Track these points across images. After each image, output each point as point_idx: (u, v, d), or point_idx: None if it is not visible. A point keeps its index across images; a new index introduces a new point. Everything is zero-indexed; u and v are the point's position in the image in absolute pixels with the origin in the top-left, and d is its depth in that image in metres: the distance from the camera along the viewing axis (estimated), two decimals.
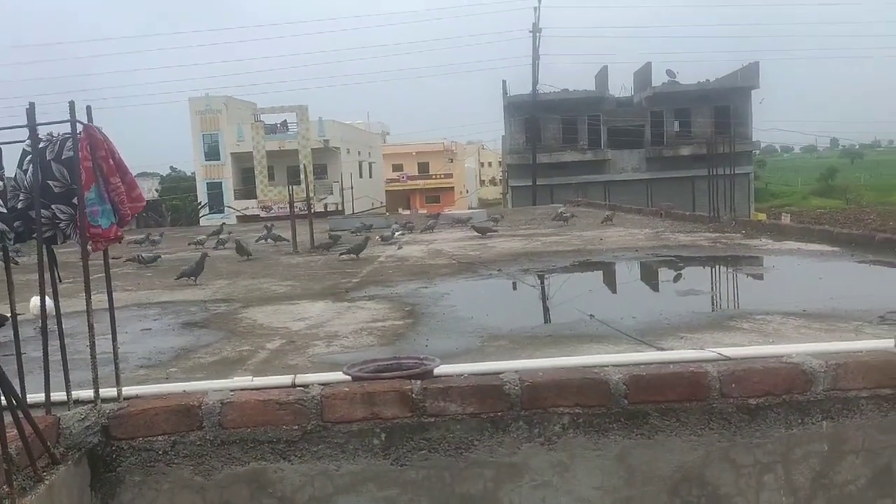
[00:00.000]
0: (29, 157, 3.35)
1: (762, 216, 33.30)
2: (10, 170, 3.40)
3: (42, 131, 3.40)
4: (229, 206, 43.78)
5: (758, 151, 49.63)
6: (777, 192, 68.73)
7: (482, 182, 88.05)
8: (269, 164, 46.54)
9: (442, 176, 71.12)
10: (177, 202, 47.85)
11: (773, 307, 5.60)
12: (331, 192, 46.71)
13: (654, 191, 41.21)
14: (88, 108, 3.42)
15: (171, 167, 62.71)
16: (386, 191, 63.27)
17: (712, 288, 7.31)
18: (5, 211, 3.22)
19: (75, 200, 3.38)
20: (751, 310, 5.59)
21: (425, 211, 52.11)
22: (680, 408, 3.43)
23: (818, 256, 8.63)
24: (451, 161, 73.41)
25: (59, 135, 3.42)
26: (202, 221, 39.38)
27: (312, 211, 14.73)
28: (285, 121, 48.73)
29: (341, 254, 10.87)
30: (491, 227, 14.36)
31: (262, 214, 40.64)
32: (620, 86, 45.84)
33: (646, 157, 42.71)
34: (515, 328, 5.56)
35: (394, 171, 70.65)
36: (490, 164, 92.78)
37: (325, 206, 42.85)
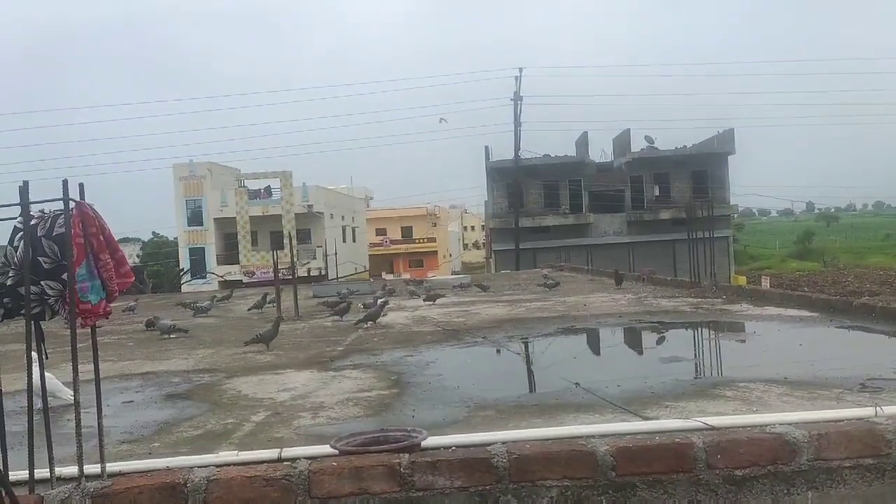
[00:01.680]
0: (20, 234, 3.39)
1: (742, 279, 33.70)
2: None
3: (33, 208, 3.45)
4: (212, 272, 43.65)
5: (736, 215, 50.58)
6: (756, 254, 69.68)
7: (465, 246, 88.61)
8: (252, 230, 46.63)
9: (425, 240, 71.54)
10: (158, 268, 47.62)
11: (755, 374, 5.66)
12: (314, 256, 46.75)
13: (635, 254, 41.70)
14: (81, 186, 3.48)
15: (154, 232, 62.53)
16: (369, 255, 63.41)
17: (695, 355, 7.37)
18: None
19: (64, 276, 3.41)
20: (734, 377, 5.64)
21: (409, 275, 52.17)
22: (667, 479, 3.44)
23: (798, 322, 8.74)
24: (435, 225, 73.97)
25: (50, 212, 3.47)
26: (184, 288, 39.14)
27: (296, 277, 14.71)
28: (269, 186, 49.11)
29: (357, 321, 10.46)
30: (439, 292, 14.36)
31: (245, 280, 40.50)
32: (601, 151, 46.80)
33: (627, 220, 43.34)
34: (501, 397, 5.56)
35: (377, 235, 71.02)
36: (473, 227, 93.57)
37: (309, 270, 42.83)
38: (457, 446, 3.79)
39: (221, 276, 41.98)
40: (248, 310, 13.90)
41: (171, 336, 10.45)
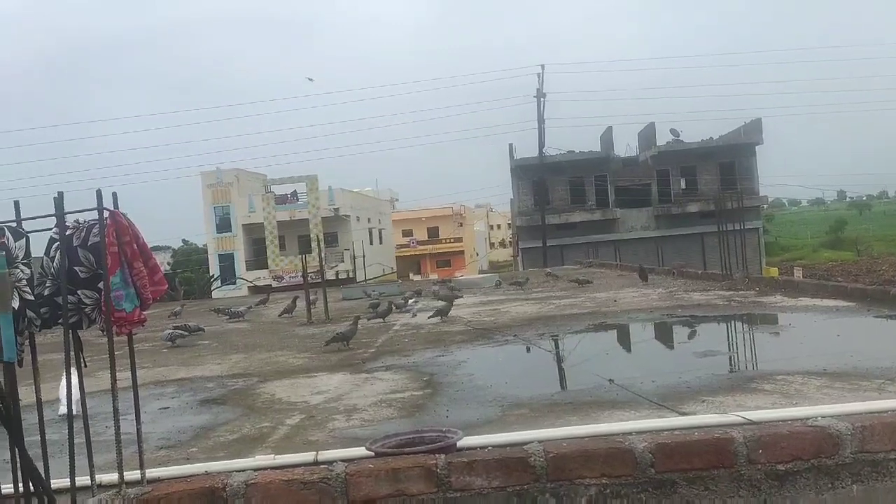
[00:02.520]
0: (56, 245, 3.44)
1: (774, 271, 33.12)
2: (36, 256, 3.49)
3: (68, 218, 3.49)
4: (241, 278, 44.03)
5: (765, 206, 49.78)
6: (787, 245, 68.63)
7: (492, 245, 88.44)
8: (280, 234, 46.99)
9: (452, 240, 71.49)
10: (189, 275, 48.17)
11: (793, 367, 5.56)
12: (342, 259, 46.95)
13: (664, 249, 41.31)
14: (114, 195, 3.52)
15: (183, 240, 63.40)
16: (396, 256, 63.54)
17: (730, 348, 7.26)
18: (32, 298, 3.29)
19: (100, 285, 3.45)
20: (771, 370, 5.55)
21: (436, 275, 52.21)
22: (708, 475, 3.39)
23: (834, 313, 8.59)
24: (461, 225, 73.90)
25: (84, 221, 3.51)
26: (214, 294, 39.53)
27: (325, 280, 14.79)
28: (295, 191, 49.44)
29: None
30: (456, 294, 14.24)
31: (274, 284, 40.80)
32: (625, 146, 46.41)
33: (654, 214, 42.93)
34: (535, 396, 5.53)
35: (403, 236, 71.11)
36: (499, 226, 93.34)
37: (337, 273, 43.03)
38: (493, 446, 3.77)
39: (251, 282, 42.33)
40: (280, 315, 14.00)
41: (176, 343, 10.50)
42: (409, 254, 68.84)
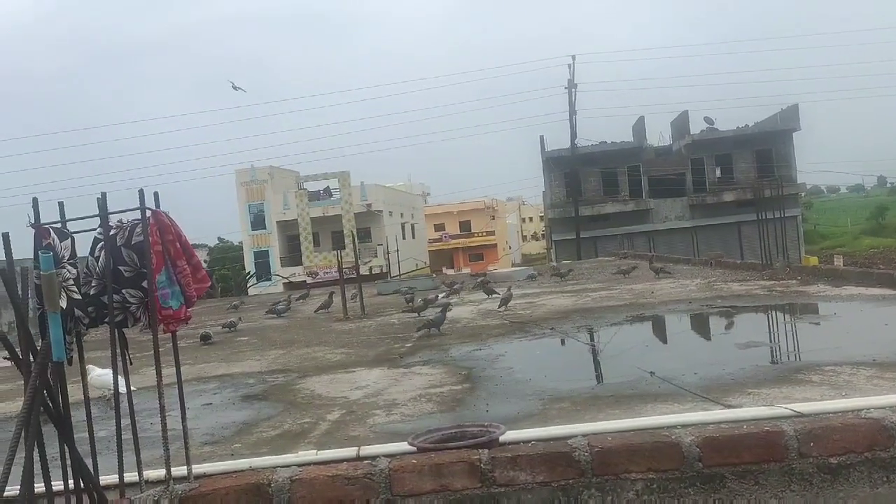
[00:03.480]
0: (100, 245, 3.48)
1: (814, 260, 32.56)
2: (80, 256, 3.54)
3: (112, 218, 3.53)
4: (276, 275, 44.48)
5: (804, 193, 48.83)
6: (826, 233, 67.27)
7: (524, 237, 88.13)
8: (313, 231, 47.35)
9: (484, 233, 71.40)
10: (226, 272, 48.79)
11: (840, 357, 5.44)
12: (375, 254, 47.16)
13: (699, 238, 40.78)
14: (156, 195, 3.55)
15: (219, 238, 64.14)
16: (429, 251, 63.66)
17: (774, 339, 7.12)
18: (80, 297, 3.34)
19: (144, 284, 3.48)
20: (818, 361, 5.43)
21: (469, 269, 52.20)
22: (757, 469, 3.33)
23: (881, 301, 8.38)
24: (493, 218, 73.76)
25: (128, 221, 3.55)
26: (250, 291, 39.99)
27: (359, 276, 14.84)
28: (328, 187, 49.76)
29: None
30: (494, 288, 14.13)
31: (309, 280, 41.15)
32: (658, 135, 45.84)
33: (689, 204, 42.38)
34: (575, 389, 5.48)
35: (436, 230, 71.20)
36: (531, 219, 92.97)
37: (371, 269, 43.24)
38: (536, 440, 3.74)
39: (286, 278, 42.74)
40: (316, 311, 14.10)
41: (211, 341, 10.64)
42: (441, 248, 68.94)
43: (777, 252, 12.82)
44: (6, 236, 2.60)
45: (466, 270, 49.31)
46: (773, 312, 8.76)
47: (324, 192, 49.98)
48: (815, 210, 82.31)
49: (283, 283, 41.70)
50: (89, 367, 6.58)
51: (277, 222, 48.93)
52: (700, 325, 8.61)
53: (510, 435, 3.85)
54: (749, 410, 4.04)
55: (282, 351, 9.13)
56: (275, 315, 14.14)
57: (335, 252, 42.99)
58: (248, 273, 46.93)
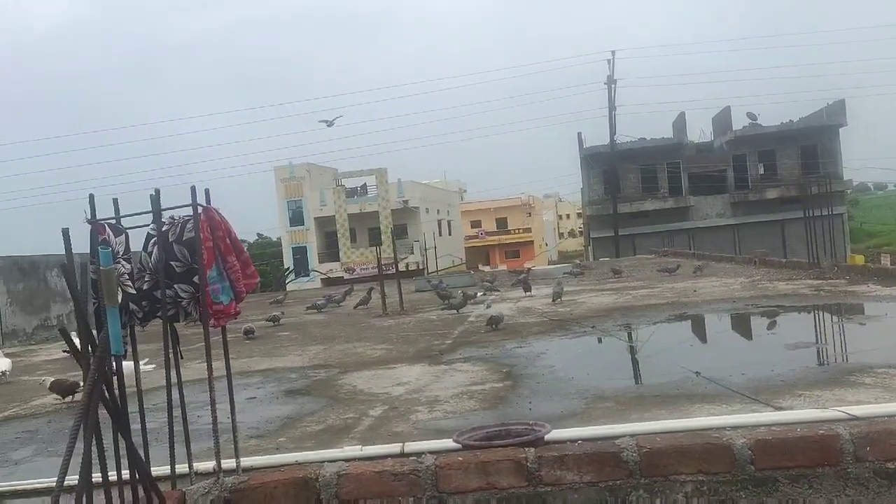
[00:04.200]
0: (153, 240, 3.54)
1: (860, 258, 31.79)
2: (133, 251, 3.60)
3: (163, 215, 3.59)
4: (314, 270, 44.89)
5: (849, 191, 47.68)
6: (873, 231, 65.59)
7: (561, 235, 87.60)
8: (350, 227, 47.62)
9: (521, 230, 71.17)
10: (265, 268, 49.36)
11: (894, 359, 5.29)
12: (411, 251, 47.31)
13: (741, 236, 40.12)
14: (206, 191, 3.60)
15: (258, 234, 64.89)
16: (465, 247, 63.65)
17: (823, 339, 6.96)
18: (134, 292, 3.40)
19: (195, 279, 3.53)
20: (870, 363, 5.29)
21: (505, 266, 52.06)
22: (811, 474, 3.26)
23: None
24: (530, 215, 73.49)
25: (179, 217, 3.60)
26: (289, 287, 40.40)
27: (398, 272, 14.90)
28: (365, 184, 50.01)
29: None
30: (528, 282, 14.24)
31: (346, 276, 41.44)
32: (699, 131, 45.13)
33: (730, 201, 41.70)
34: (619, 388, 5.43)
35: (472, 227, 71.16)
36: (568, 216, 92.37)
37: (407, 265, 43.38)
38: (582, 440, 3.71)
39: (324, 274, 43.10)
40: (355, 307, 14.18)
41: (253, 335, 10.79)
42: (477, 245, 68.88)
43: (824, 251, 12.53)
44: (66, 232, 2.65)
45: (503, 267, 49.19)
46: (822, 313, 8.57)
47: (361, 188, 50.27)
48: (861, 207, 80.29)
49: (321, 279, 42.05)
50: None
51: (315, 218, 49.37)
52: (745, 324, 8.46)
53: (555, 434, 3.83)
54: (802, 413, 3.96)
55: (322, 346, 9.20)
56: (315, 310, 14.28)
57: (372, 248, 43.35)
58: (287, 269, 47.43)
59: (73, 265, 2.64)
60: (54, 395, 6.91)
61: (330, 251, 48.91)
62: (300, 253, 49.37)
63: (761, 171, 42.56)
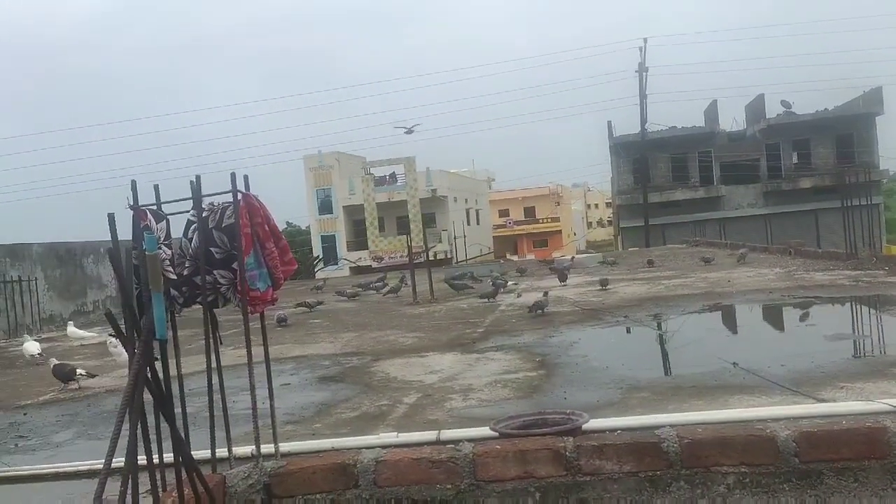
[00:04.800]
0: (194, 226, 3.55)
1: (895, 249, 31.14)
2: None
3: (202, 202, 3.60)
4: (344, 258, 45.11)
5: (885, 180, 46.64)
6: None
7: (589, 224, 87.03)
8: (379, 216, 47.78)
9: (549, 220, 70.81)
10: (295, 256, 49.62)
11: None
12: (439, 240, 47.31)
13: (773, 226, 39.50)
14: (245, 178, 3.60)
15: (287, 222, 65.35)
16: (493, 237, 63.51)
17: (864, 331, 6.83)
18: (175, 277, 3.42)
19: (234, 266, 3.55)
20: None
21: (533, 256, 51.90)
22: (857, 466, 3.20)
23: None
24: (558, 204, 73.07)
25: (218, 204, 3.61)
26: (318, 275, 40.65)
27: (428, 260, 14.91)
28: (394, 173, 50.06)
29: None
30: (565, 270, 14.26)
31: (374, 265, 41.61)
32: (731, 120, 44.43)
33: (762, 191, 41.08)
34: (654, 378, 5.38)
35: (500, 216, 70.95)
36: (597, 205, 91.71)
37: (435, 254, 43.38)
38: (621, 430, 3.68)
39: (353, 262, 43.30)
40: (385, 294, 14.22)
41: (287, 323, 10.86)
42: (505, 234, 68.69)
43: (862, 241, 12.28)
44: (112, 217, 2.67)
45: (531, 257, 49.03)
46: (861, 304, 8.40)
47: (389, 177, 50.31)
48: None
49: (350, 268, 42.25)
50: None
51: (344, 207, 49.53)
52: (783, 315, 8.33)
53: (593, 423, 3.80)
54: (847, 405, 3.88)
55: (354, 334, 9.24)
56: (345, 297, 14.36)
57: (400, 237, 43.43)
58: (317, 257, 47.70)
59: (119, 250, 2.66)
60: (81, 373, 7.01)
61: (358, 240, 49.10)
62: (329, 241, 49.59)
63: (795, 160, 41.84)
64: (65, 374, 6.98)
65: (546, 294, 9.85)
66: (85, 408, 6.17)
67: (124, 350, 7.34)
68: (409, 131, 46.36)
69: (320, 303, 13.04)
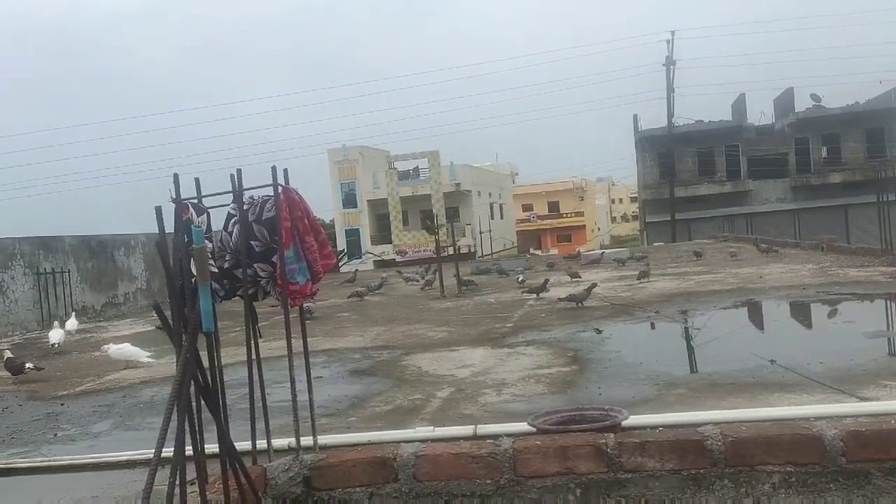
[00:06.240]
0: (234, 220, 3.57)
1: None
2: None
3: (243, 195, 3.61)
4: (368, 252, 45.23)
5: None
6: None
7: (613, 219, 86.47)
8: (403, 210, 47.84)
9: (573, 214, 70.45)
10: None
11: None
12: (463, 234, 47.27)
13: (801, 222, 38.95)
14: (285, 171, 3.60)
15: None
16: (517, 231, 63.34)
17: None
18: (217, 270, 3.44)
19: (274, 259, 3.55)
20: None
21: (556, 251, 51.65)
22: None
23: None
24: (582, 199, 72.67)
25: (258, 197, 3.62)
26: (343, 269, 40.81)
27: (458, 254, 14.90)
28: (417, 167, 50.07)
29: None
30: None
31: (398, 259, 41.68)
32: (759, 113, 43.84)
33: (791, 186, 40.50)
34: (690, 375, 5.33)
35: (524, 211, 70.70)
36: (621, 200, 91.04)
37: (458, 248, 43.35)
38: (662, 427, 3.64)
39: (378, 256, 43.40)
40: (422, 287, 14.18)
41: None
42: (529, 228, 68.45)
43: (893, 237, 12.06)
44: (159, 210, 2.69)
45: (554, 251, 48.78)
46: None
47: (413, 171, 50.33)
48: None
49: (374, 261, 42.35)
50: (109, 345, 7.99)
51: (368, 201, 49.65)
52: (818, 312, 8.20)
53: (633, 420, 3.77)
54: (891, 404, 3.81)
55: (383, 327, 9.25)
56: (369, 291, 14.35)
57: (423, 231, 43.43)
58: (342, 251, 47.88)
59: (167, 242, 2.67)
60: (29, 366, 7.51)
61: (382, 234, 49.21)
62: (353, 235, 49.73)
63: (824, 154, 41.18)
64: (15, 368, 7.54)
65: (591, 287, 9.74)
66: (120, 399, 6.24)
67: (122, 351, 7.73)
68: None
69: (379, 287, 13.38)
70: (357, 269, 20.58)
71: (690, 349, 6.58)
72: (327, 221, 56.04)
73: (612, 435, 3.41)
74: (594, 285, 9.54)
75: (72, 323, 11.10)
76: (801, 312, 8.28)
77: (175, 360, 2.79)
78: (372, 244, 48.24)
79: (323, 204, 50.86)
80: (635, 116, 42.14)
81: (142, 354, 7.66)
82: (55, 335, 9.71)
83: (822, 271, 11.20)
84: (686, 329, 7.49)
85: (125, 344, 8.13)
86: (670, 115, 40.03)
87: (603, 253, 21.54)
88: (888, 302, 8.35)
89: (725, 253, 15.67)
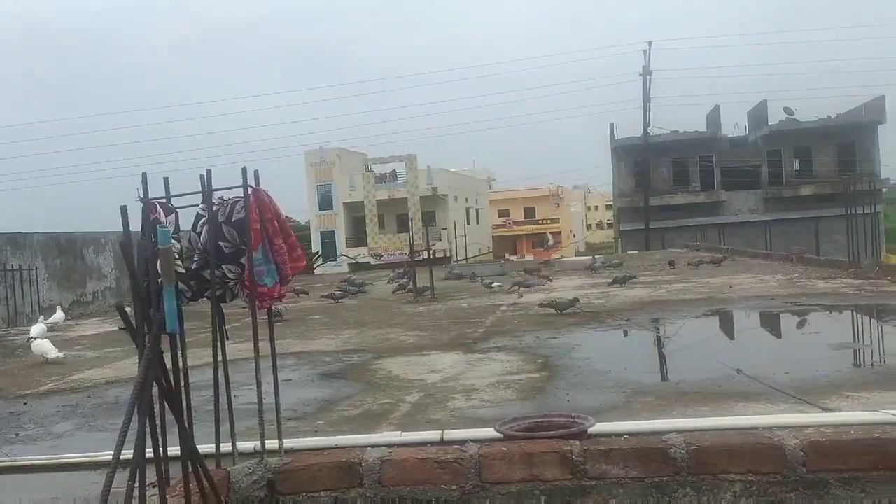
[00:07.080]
0: (203, 220, 3.54)
1: (895, 259, 31.12)
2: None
3: (213, 196, 3.58)
4: (343, 255, 45.07)
5: (885, 189, 46.62)
6: None
7: (589, 226, 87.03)
8: (379, 213, 47.78)
9: (548, 221, 70.79)
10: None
11: None
12: (439, 238, 47.27)
13: (773, 233, 39.52)
14: (256, 172, 3.58)
15: (286, 217, 65.28)
16: (493, 236, 63.50)
17: (869, 340, 6.83)
18: (184, 271, 3.40)
19: (243, 260, 3.53)
20: None
21: (532, 256, 51.79)
22: (865, 477, 3.19)
23: None
24: (558, 206, 73.06)
25: (229, 198, 3.59)
26: (316, 271, 40.61)
27: (431, 258, 14.90)
28: (394, 170, 50.05)
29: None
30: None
31: (373, 262, 41.59)
32: (734, 125, 44.41)
33: (763, 197, 41.08)
34: (658, 383, 5.37)
35: (500, 216, 70.93)
36: (596, 207, 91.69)
37: (434, 252, 43.36)
38: (627, 434, 3.66)
39: (353, 259, 43.27)
40: (394, 291, 14.15)
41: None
42: (505, 234, 68.66)
43: (864, 250, 12.27)
44: (124, 210, 2.65)
45: (529, 257, 48.94)
46: (866, 313, 8.39)
47: (390, 174, 50.30)
48: None
49: (348, 264, 42.21)
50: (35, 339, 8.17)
51: (344, 203, 49.53)
52: (786, 322, 8.32)
53: (599, 427, 3.78)
54: (855, 415, 3.87)
55: (355, 331, 9.22)
56: (345, 294, 14.31)
57: (400, 235, 43.39)
58: (316, 253, 47.65)
59: (131, 242, 2.64)
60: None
61: (358, 236, 49.10)
62: (328, 237, 49.59)
63: (796, 166, 41.84)
64: None
65: (574, 300, 9.60)
66: (85, 399, 6.15)
67: (43, 349, 8.07)
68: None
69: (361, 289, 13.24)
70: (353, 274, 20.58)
71: (659, 357, 6.64)
72: (303, 223, 55.78)
73: (577, 442, 3.43)
74: (576, 299, 9.53)
75: (59, 315, 11.69)
76: (768, 322, 8.38)
77: (138, 361, 2.75)
78: (347, 247, 48.09)
79: (299, 205, 50.66)
80: (611, 125, 42.52)
81: (52, 351, 8.11)
82: (36, 330, 9.58)
83: (790, 282, 11.37)
84: (657, 337, 7.55)
85: (46, 339, 8.61)
86: (646, 124, 40.44)
87: (594, 257, 21.66)
88: (853, 313, 8.48)
89: (712, 261, 15.97)
